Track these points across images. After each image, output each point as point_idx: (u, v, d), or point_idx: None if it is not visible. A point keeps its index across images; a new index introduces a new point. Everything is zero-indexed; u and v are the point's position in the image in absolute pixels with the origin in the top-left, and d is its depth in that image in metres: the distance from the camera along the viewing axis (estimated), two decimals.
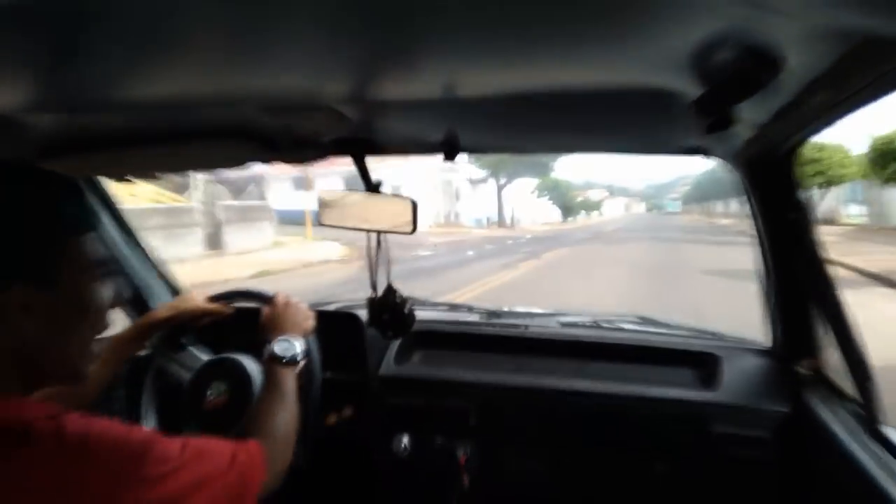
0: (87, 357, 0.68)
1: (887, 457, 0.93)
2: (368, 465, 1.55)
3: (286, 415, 0.94)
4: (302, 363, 1.10)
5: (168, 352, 1.31)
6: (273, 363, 1.05)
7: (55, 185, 0.64)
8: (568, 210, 44.46)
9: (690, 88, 0.69)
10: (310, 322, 1.21)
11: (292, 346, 1.08)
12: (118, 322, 1.64)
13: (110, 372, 1.11)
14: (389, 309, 1.27)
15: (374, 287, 1.27)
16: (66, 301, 0.63)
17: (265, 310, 1.19)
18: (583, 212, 57.64)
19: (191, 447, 0.64)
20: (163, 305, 1.23)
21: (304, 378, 1.22)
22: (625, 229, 28.85)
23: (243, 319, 1.39)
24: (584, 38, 0.58)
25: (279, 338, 1.09)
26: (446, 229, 25.37)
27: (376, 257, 1.23)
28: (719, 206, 46.90)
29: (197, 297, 1.27)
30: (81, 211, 0.66)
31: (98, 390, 1.08)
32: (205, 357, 1.32)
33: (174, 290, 1.70)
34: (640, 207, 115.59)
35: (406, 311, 1.28)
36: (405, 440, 1.50)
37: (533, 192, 39.03)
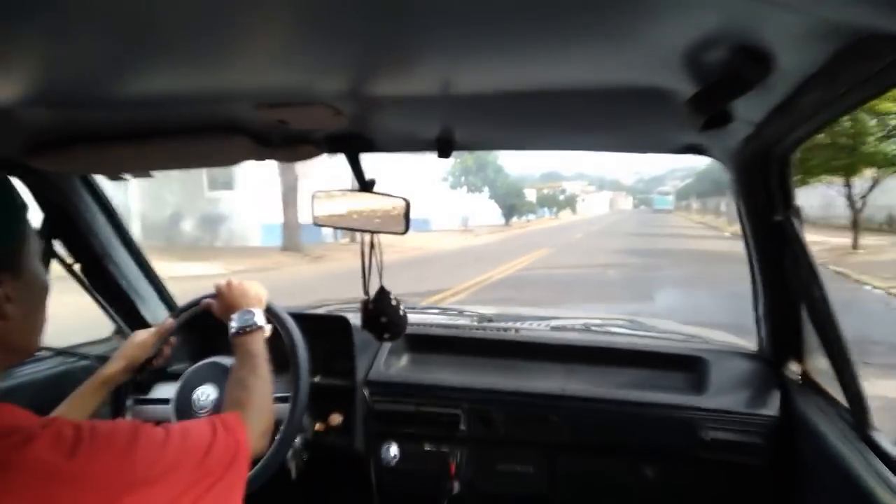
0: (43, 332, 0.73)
1: (877, 462, 0.98)
2: (358, 474, 1.58)
3: (259, 380, 1.01)
4: (268, 328, 1.16)
5: (134, 396, 1.33)
6: (237, 336, 1.12)
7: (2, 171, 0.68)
8: (511, 208, 32.39)
9: (684, 87, 0.73)
10: (261, 290, 1.26)
11: (250, 315, 1.15)
12: (105, 326, 1.65)
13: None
14: (384, 312, 1.30)
15: (366, 290, 1.30)
16: (32, 284, 0.68)
17: (215, 302, 1.25)
18: (541, 211, 46.31)
19: (173, 431, 0.69)
20: (111, 359, 1.21)
21: (292, 383, 1.27)
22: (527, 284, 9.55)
23: (210, 325, 1.43)
24: (579, 37, 0.61)
25: (236, 314, 1.16)
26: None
27: (369, 259, 1.26)
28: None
29: (140, 335, 1.26)
30: (19, 195, 0.69)
31: None
32: (170, 393, 1.33)
33: (163, 295, 1.72)
34: (627, 203, 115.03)
35: (400, 313, 1.32)
36: (394, 448, 1.55)
37: (446, 180, 27.13)
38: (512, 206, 32.81)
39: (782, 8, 0.50)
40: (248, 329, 1.13)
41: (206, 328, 1.36)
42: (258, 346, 1.11)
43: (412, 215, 1.19)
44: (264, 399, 0.98)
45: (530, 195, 43.49)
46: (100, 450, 0.60)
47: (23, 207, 0.67)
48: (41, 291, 0.71)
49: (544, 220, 43.65)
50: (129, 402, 1.31)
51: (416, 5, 0.53)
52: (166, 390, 1.35)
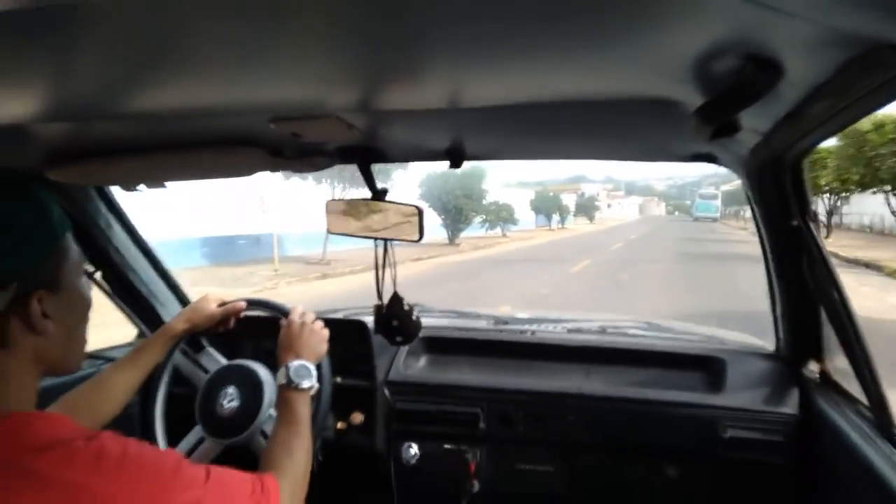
0: (84, 349, 0.76)
1: None
2: (378, 472, 1.64)
3: (302, 444, 1.01)
4: (316, 387, 1.17)
5: (188, 351, 1.44)
6: (288, 389, 1.12)
7: (37, 187, 0.69)
8: (456, 215, 21.16)
9: (693, 96, 0.75)
10: (324, 345, 1.28)
11: (307, 371, 1.14)
12: (126, 329, 1.76)
13: (134, 384, 1.19)
14: (396, 316, 1.36)
15: (380, 295, 1.36)
16: (71, 300, 0.70)
17: (282, 327, 1.26)
18: (539, 219, 35.69)
19: (214, 476, 0.70)
20: (179, 315, 1.33)
21: (315, 384, 1.35)
22: None
23: (258, 329, 1.52)
24: (588, 48, 0.63)
25: (294, 362, 1.15)
26: None
27: (383, 265, 1.33)
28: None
29: (211, 304, 1.35)
30: (60, 209, 0.70)
31: (124, 402, 1.16)
32: (222, 360, 1.44)
33: (182, 299, 1.81)
34: (660, 209, 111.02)
35: (413, 318, 1.37)
36: (414, 448, 1.60)
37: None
38: (458, 211, 20.81)
39: (791, 17, 0.51)
40: (302, 388, 1.12)
41: (229, 332, 1.46)
42: (306, 408, 1.10)
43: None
44: (304, 468, 0.98)
45: (518, 196, 32.86)
46: (143, 475, 0.62)
47: (62, 223, 0.69)
48: (83, 308, 0.73)
49: (539, 233, 31.24)
50: (178, 350, 1.41)
51: (425, 20, 0.54)
52: (214, 359, 1.44)
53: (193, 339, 1.43)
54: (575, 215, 46.32)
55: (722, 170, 1.34)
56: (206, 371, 1.41)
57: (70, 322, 0.70)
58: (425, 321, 1.43)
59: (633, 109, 0.88)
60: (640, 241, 22.86)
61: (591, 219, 49.08)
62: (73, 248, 0.72)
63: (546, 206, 35.71)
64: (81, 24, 0.52)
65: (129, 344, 1.78)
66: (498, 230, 26.68)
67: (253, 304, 1.42)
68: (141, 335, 1.78)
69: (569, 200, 46.44)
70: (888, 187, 15.39)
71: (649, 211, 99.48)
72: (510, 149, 1.38)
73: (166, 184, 1.37)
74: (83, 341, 0.75)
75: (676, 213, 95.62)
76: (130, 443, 0.64)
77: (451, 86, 0.79)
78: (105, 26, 0.54)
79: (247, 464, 1.01)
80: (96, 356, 1.63)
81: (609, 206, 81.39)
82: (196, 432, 1.34)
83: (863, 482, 1.04)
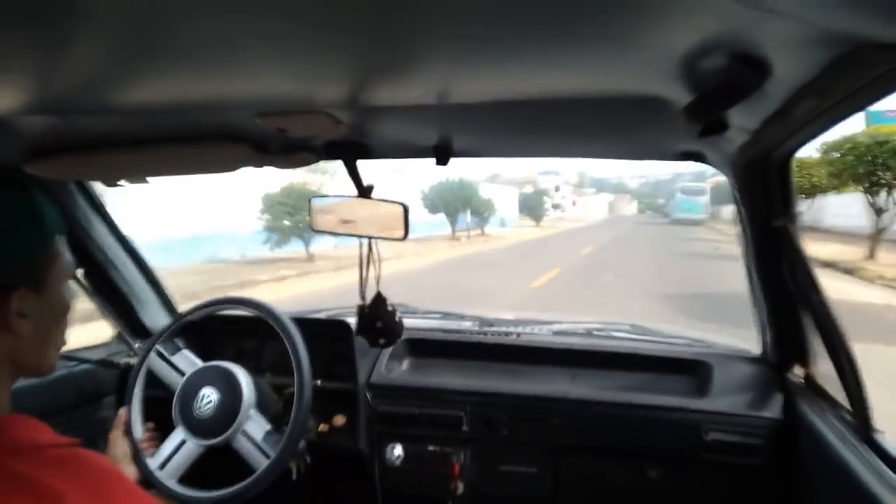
0: (58, 352, 0.75)
1: (880, 464, 1.01)
2: (362, 474, 1.64)
3: None
4: None
5: (164, 354, 1.45)
6: None
7: (34, 186, 0.69)
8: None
9: (681, 95, 0.76)
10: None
11: None
12: (103, 328, 1.72)
13: None
14: (379, 317, 1.36)
15: (363, 295, 1.36)
16: (52, 302, 0.69)
17: None
18: (464, 220, 22.09)
19: None
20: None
21: (295, 386, 1.35)
22: None
23: (237, 328, 1.54)
24: (576, 46, 0.64)
25: None
26: None
27: (367, 264, 1.33)
28: None
29: (118, 447, 1.30)
30: (57, 211, 0.70)
31: None
32: (198, 361, 1.44)
33: (162, 296, 1.79)
34: (631, 207, 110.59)
35: (396, 319, 1.37)
36: (398, 449, 1.61)
37: None
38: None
39: (778, 16, 0.52)
40: None
41: (208, 332, 1.45)
42: None
43: None
44: None
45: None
46: (119, 497, 0.61)
47: (55, 225, 0.68)
48: (61, 311, 0.72)
49: (422, 247, 17.06)
50: (153, 353, 1.43)
51: (415, 15, 0.55)
52: (190, 361, 1.46)
53: (170, 341, 1.44)
54: (520, 214, 38.41)
55: (699, 168, 1.34)
56: (182, 373, 1.41)
57: (48, 324, 0.70)
58: (408, 322, 1.43)
59: (622, 107, 0.89)
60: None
61: (536, 220, 37.21)
62: (65, 253, 0.71)
63: (449, 203, 22.36)
64: (64, 14, 0.52)
65: (105, 344, 1.75)
66: (301, 247, 14.04)
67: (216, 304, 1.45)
68: (119, 335, 1.75)
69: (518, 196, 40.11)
70: None
71: (619, 210, 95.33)
72: (498, 146, 1.39)
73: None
74: (60, 344, 0.74)
75: (648, 212, 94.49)
76: (113, 467, 0.64)
77: (440, 82, 0.79)
78: (88, 17, 0.53)
79: (231, 464, 1.02)
80: (69, 357, 1.59)
81: (574, 203, 77.77)
82: (178, 434, 1.34)
83: (843, 486, 1.06)
